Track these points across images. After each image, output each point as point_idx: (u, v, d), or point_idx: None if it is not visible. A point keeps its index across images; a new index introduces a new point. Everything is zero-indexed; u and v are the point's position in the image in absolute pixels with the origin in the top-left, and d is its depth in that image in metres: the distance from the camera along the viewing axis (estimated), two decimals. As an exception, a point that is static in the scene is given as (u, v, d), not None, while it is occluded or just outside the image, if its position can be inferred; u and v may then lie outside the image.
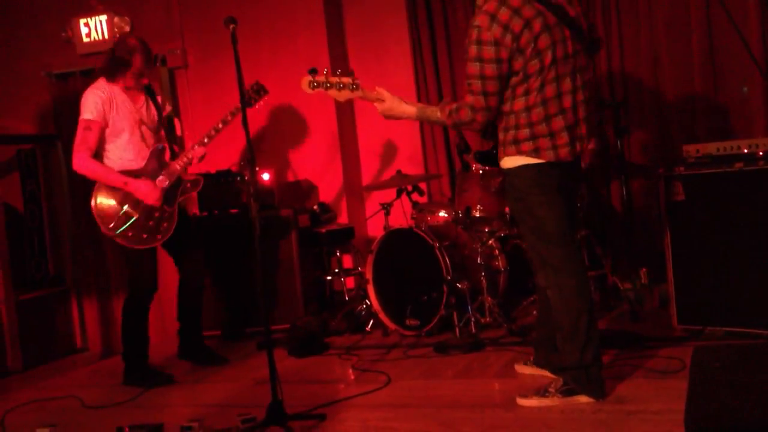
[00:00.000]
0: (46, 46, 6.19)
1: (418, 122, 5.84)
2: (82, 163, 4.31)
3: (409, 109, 3.45)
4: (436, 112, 3.38)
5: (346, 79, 3.40)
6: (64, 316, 5.82)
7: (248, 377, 4.33)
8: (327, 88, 3.40)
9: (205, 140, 4.47)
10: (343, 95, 3.43)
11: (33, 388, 4.73)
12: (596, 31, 3.67)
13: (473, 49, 3.18)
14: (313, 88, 3.40)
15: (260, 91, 4.62)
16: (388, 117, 3.49)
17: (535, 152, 3.24)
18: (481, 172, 4.69)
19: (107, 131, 4.35)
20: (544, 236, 3.31)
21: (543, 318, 3.65)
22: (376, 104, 3.47)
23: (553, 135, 3.23)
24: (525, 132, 3.24)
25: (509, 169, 3.34)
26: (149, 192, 4.33)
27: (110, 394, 4.27)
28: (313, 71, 3.39)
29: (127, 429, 3.40)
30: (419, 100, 5.80)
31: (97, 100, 4.32)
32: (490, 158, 3.51)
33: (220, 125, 4.46)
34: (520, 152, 3.26)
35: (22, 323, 5.32)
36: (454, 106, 3.30)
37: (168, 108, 4.65)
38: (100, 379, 4.81)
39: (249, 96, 4.54)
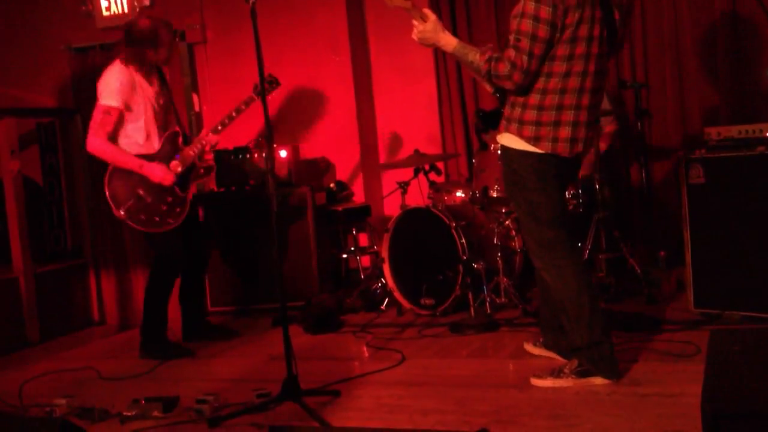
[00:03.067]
0: (66, 20, 6.20)
1: (436, 101, 5.82)
2: (98, 145, 4.30)
3: (449, 39, 3.25)
4: (475, 54, 3.19)
5: None
6: (82, 289, 5.86)
7: (263, 353, 4.35)
8: None
9: (219, 128, 4.46)
10: (397, 1, 3.17)
11: (50, 359, 4.78)
12: (624, 39, 3.59)
13: (530, 6, 3.06)
14: None
15: (272, 83, 4.57)
16: (422, 41, 3.28)
17: (535, 140, 3.21)
18: (499, 152, 4.66)
19: (127, 115, 4.34)
20: (538, 219, 3.31)
21: (544, 300, 3.65)
22: (415, 23, 3.25)
23: (557, 126, 3.19)
24: (532, 114, 3.20)
25: (507, 148, 3.31)
26: (164, 176, 4.33)
27: (127, 366, 4.31)
28: None
29: (143, 401, 3.44)
30: (438, 76, 5.77)
31: (118, 86, 4.28)
32: (493, 119, 3.40)
33: (234, 114, 4.44)
34: (520, 135, 3.23)
35: (40, 296, 5.36)
36: (496, 55, 3.15)
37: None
38: (117, 352, 4.85)
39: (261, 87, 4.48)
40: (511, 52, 3.11)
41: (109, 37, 5.89)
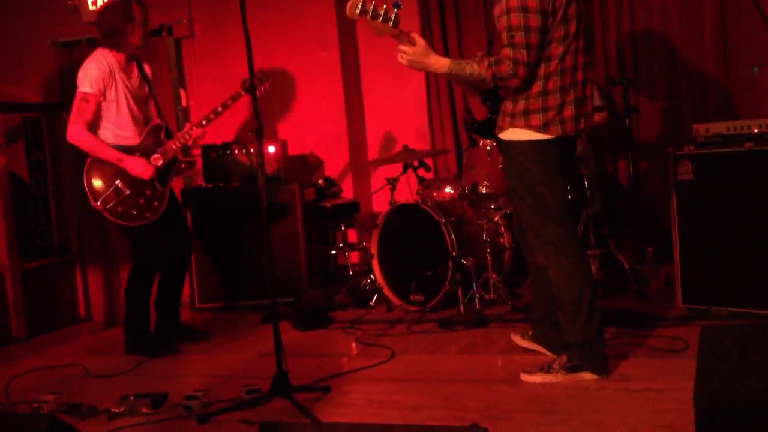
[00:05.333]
0: (52, 14, 6.15)
1: (425, 98, 5.81)
2: (77, 134, 4.27)
3: (441, 60, 3.15)
4: (472, 65, 3.12)
5: (393, 12, 3.01)
6: (69, 285, 5.82)
7: (253, 349, 4.34)
8: (373, 18, 2.99)
9: (203, 122, 4.42)
10: (385, 29, 3.03)
11: (37, 356, 4.74)
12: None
13: (513, 0, 3.06)
14: (361, 14, 2.96)
15: (262, 78, 4.47)
16: (411, 64, 3.15)
17: (544, 127, 3.20)
18: (488, 148, 4.67)
19: (104, 105, 4.31)
20: (544, 215, 3.29)
21: (538, 296, 3.65)
22: (402, 47, 3.13)
23: (563, 107, 3.20)
24: (537, 102, 3.20)
25: (512, 143, 3.29)
26: (143, 170, 4.30)
27: (114, 363, 4.28)
28: None
29: (131, 397, 3.42)
30: (427, 72, 5.75)
31: (96, 73, 4.27)
32: (489, 128, 3.40)
33: (220, 109, 4.39)
34: (529, 126, 3.22)
35: (27, 292, 5.32)
36: (493, 59, 3.11)
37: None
38: (104, 348, 4.82)
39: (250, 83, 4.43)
40: (508, 51, 3.10)
41: (95, 32, 5.86)
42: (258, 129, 3.46)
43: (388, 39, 3.12)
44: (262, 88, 4.49)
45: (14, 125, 5.85)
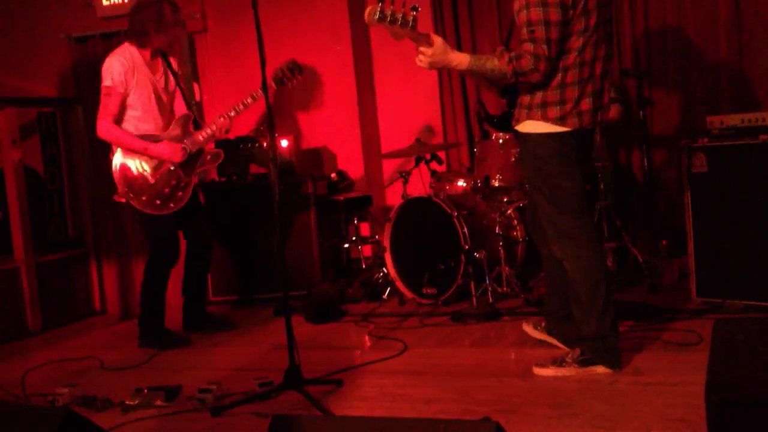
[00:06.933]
0: (66, 9, 6.18)
1: (438, 91, 5.80)
2: (105, 129, 4.31)
3: (461, 57, 3.11)
4: (492, 60, 3.09)
5: (411, 14, 2.96)
6: (83, 278, 5.87)
7: (265, 342, 4.35)
8: (391, 23, 2.93)
9: (232, 114, 4.38)
10: (403, 33, 2.98)
11: (52, 349, 4.79)
12: None
13: None
14: (379, 20, 2.91)
15: (294, 70, 4.42)
16: (432, 65, 3.12)
17: (561, 120, 3.19)
18: (501, 141, 4.65)
19: (129, 99, 4.34)
20: (561, 207, 3.28)
21: (552, 289, 3.63)
22: (421, 49, 3.10)
23: (581, 99, 3.18)
24: (555, 94, 3.18)
25: (529, 135, 3.28)
26: (172, 152, 4.33)
27: (129, 356, 4.31)
28: None
29: (145, 390, 3.44)
30: (439, 71, 5.74)
31: (119, 68, 4.29)
32: (508, 122, 3.39)
33: (249, 100, 4.34)
34: (546, 118, 3.20)
35: (42, 285, 5.37)
36: (513, 54, 3.08)
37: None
38: (119, 341, 4.86)
39: (283, 74, 4.39)
40: (529, 45, 3.08)
41: (110, 27, 5.89)
42: (270, 123, 3.47)
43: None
44: (295, 81, 4.45)
45: (29, 120, 5.90)
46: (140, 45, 4.37)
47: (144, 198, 4.33)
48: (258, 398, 3.31)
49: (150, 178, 4.34)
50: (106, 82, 4.30)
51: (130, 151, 4.33)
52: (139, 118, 4.36)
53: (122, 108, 4.34)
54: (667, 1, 5.17)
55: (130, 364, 4.14)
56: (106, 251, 5.95)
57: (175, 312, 4.75)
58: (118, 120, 4.34)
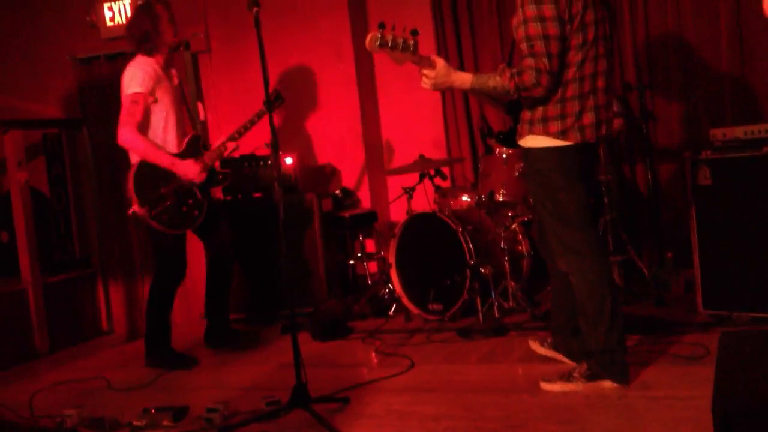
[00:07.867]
0: (70, 31, 6.22)
1: (441, 106, 5.82)
2: (128, 136, 4.21)
3: (463, 77, 3.17)
4: (494, 78, 3.13)
5: (411, 39, 3.01)
6: (90, 298, 5.88)
7: (272, 360, 4.35)
8: (392, 49, 2.99)
9: (236, 135, 4.46)
10: (405, 57, 3.05)
11: (60, 370, 4.79)
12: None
13: (531, 9, 3.07)
14: (381, 47, 2.97)
15: (277, 99, 4.60)
16: (436, 87, 3.18)
17: (562, 134, 3.20)
18: (504, 156, 4.66)
19: (152, 109, 4.29)
20: (565, 221, 3.29)
21: (558, 303, 3.63)
22: (424, 71, 3.16)
23: (582, 114, 3.19)
24: (556, 108, 3.19)
25: (531, 150, 3.29)
26: (197, 174, 4.34)
27: (136, 376, 4.31)
28: (382, 25, 2.97)
29: (153, 410, 3.44)
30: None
31: (143, 75, 4.23)
32: (512, 138, 3.42)
33: (249, 124, 4.47)
34: (547, 133, 3.21)
35: (49, 306, 5.38)
36: (515, 69, 3.11)
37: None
38: (126, 361, 4.86)
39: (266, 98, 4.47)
40: (530, 60, 3.10)
41: (114, 47, 5.93)
42: (273, 142, 3.48)
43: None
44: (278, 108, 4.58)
45: (35, 141, 5.94)
46: (149, 51, 4.33)
47: (165, 217, 4.28)
48: (265, 417, 3.31)
49: (168, 197, 4.30)
50: (133, 89, 4.21)
51: (149, 165, 4.25)
52: (163, 128, 4.33)
53: (146, 117, 4.26)
54: (668, 13, 5.18)
55: (138, 385, 4.14)
56: (112, 271, 5.96)
57: (182, 330, 4.74)
58: (141, 129, 4.26)
